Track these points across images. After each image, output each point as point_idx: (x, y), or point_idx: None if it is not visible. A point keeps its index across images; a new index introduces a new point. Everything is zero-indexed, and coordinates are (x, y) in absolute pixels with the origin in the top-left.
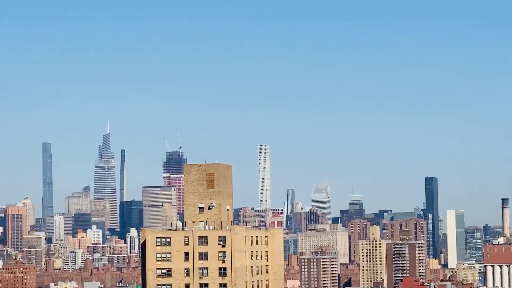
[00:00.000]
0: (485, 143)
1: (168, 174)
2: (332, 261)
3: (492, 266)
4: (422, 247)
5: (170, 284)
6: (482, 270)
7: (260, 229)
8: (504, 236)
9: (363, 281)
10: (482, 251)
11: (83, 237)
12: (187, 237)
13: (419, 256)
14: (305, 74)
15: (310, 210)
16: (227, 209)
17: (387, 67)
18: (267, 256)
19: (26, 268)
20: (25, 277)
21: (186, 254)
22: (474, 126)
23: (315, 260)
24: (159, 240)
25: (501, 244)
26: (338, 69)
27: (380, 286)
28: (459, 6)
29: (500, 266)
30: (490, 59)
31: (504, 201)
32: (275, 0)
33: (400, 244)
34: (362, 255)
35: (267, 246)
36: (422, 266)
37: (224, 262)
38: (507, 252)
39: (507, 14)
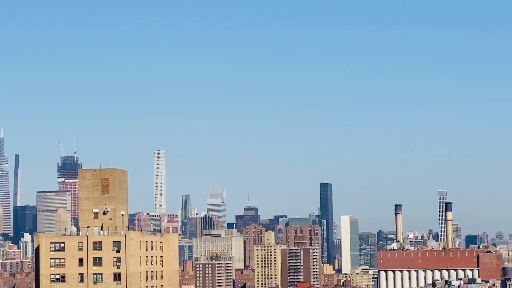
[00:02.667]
0: (379, 149)
1: (63, 179)
2: (227, 266)
3: (386, 271)
4: (316, 252)
5: None
6: (375, 276)
7: (155, 234)
8: (398, 241)
9: (258, 286)
10: (376, 256)
11: None
12: (82, 242)
13: (313, 262)
14: (199, 77)
15: (206, 215)
16: (122, 214)
17: (281, 70)
18: (162, 261)
19: None
20: None
21: (81, 260)
22: (368, 132)
23: (210, 265)
24: (53, 245)
25: (394, 250)
26: (233, 73)
27: None
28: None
29: (393, 272)
30: (395, 62)
31: (398, 207)
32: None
33: (295, 249)
34: (257, 261)
35: (162, 251)
36: (317, 271)
37: (118, 267)
38: (400, 258)
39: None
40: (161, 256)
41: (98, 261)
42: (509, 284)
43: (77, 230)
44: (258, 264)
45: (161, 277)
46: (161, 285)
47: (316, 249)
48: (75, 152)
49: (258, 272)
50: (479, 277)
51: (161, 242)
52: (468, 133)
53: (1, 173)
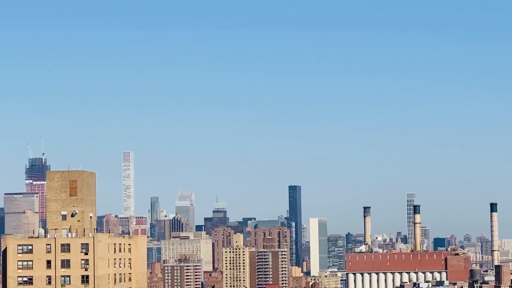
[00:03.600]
0: (348, 152)
1: (31, 181)
2: (196, 268)
3: (354, 274)
4: (285, 254)
5: None
6: (344, 278)
7: (124, 236)
8: (366, 244)
9: None
10: (344, 259)
11: None
12: (49, 244)
13: (282, 264)
14: (167, 80)
15: (174, 217)
16: (90, 217)
17: (248, 72)
18: (130, 263)
19: None
20: None
21: (48, 262)
22: (337, 134)
23: (178, 267)
24: (20, 247)
25: (362, 252)
26: (200, 75)
27: None
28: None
29: (362, 274)
30: (356, 63)
31: (366, 209)
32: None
33: (264, 252)
34: (226, 263)
35: (130, 253)
36: (285, 273)
37: (86, 270)
38: (368, 260)
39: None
40: (130, 259)
41: (66, 264)
42: (477, 286)
43: (45, 232)
44: (226, 266)
45: (130, 279)
46: (129, 287)
47: (284, 251)
48: (43, 154)
49: (226, 275)
50: (447, 280)
51: (129, 244)
52: (435, 137)
53: None
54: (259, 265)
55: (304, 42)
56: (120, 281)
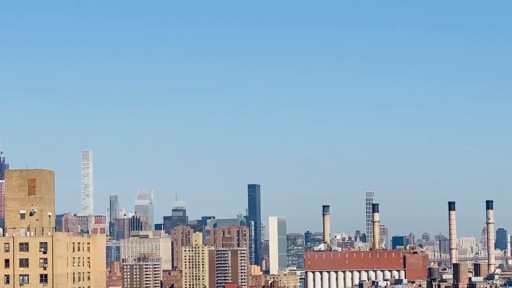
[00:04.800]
0: (307, 150)
1: None
2: (155, 267)
3: (313, 272)
4: (244, 253)
5: None
6: (303, 276)
7: (83, 235)
8: (325, 242)
9: (186, 287)
10: (303, 257)
11: None
12: (8, 243)
13: (241, 263)
14: (126, 77)
15: (133, 216)
16: (49, 215)
17: (209, 68)
18: (89, 262)
19: None
20: None
21: (6, 261)
22: (296, 133)
23: (137, 266)
24: None
25: (321, 251)
26: (158, 72)
27: None
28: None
29: (321, 272)
30: (314, 59)
31: (325, 208)
32: None
33: (223, 250)
34: (185, 262)
35: (89, 252)
36: (244, 272)
37: (45, 268)
38: (327, 259)
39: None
40: (89, 257)
41: (24, 263)
42: (435, 285)
43: (3, 231)
44: (186, 265)
45: (88, 278)
46: (88, 286)
47: (244, 250)
48: (1, 152)
49: (186, 273)
50: (405, 278)
51: (88, 243)
52: (394, 135)
53: None
54: (218, 263)
55: (264, 37)
56: (79, 280)
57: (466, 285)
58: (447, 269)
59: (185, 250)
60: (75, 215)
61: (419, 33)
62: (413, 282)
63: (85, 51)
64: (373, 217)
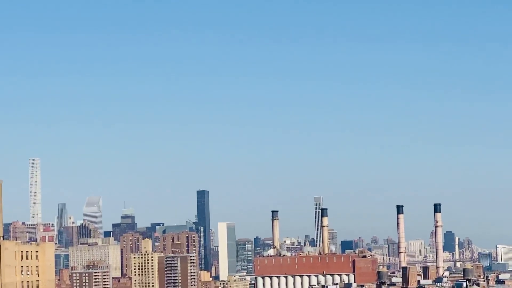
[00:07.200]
0: (255, 155)
1: None
2: (104, 275)
3: (263, 277)
4: (194, 259)
5: None
6: (253, 282)
7: (31, 244)
8: (274, 247)
9: None
10: (253, 263)
11: None
12: None
13: (191, 269)
14: (73, 84)
15: (82, 224)
16: None
17: (154, 74)
18: (38, 271)
19: None
20: None
21: None
22: (243, 137)
23: (87, 274)
24: None
25: (271, 256)
26: (105, 79)
27: None
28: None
29: (270, 278)
30: (266, 64)
31: (274, 213)
32: None
33: (172, 257)
34: (134, 269)
35: (38, 261)
36: (194, 278)
37: None
38: (277, 264)
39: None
40: (37, 266)
41: None
42: None
43: None
44: (135, 272)
45: (37, 286)
46: None
47: (193, 256)
48: None
49: (135, 280)
50: (355, 282)
51: (36, 251)
52: (342, 139)
53: None
54: (167, 270)
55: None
56: None
57: None
58: (396, 272)
59: (134, 257)
60: (23, 223)
61: (353, 36)
62: (362, 286)
63: (34, 58)
64: (322, 222)
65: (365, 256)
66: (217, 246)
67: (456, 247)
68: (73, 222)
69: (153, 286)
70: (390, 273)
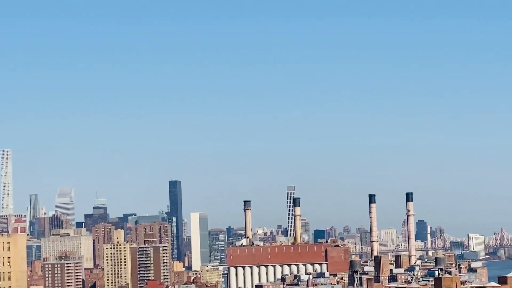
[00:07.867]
0: (227, 145)
1: None
2: (77, 266)
3: (235, 267)
4: (166, 250)
5: None
6: (225, 272)
7: (2, 235)
8: (247, 237)
9: (108, 285)
10: (226, 253)
11: None
12: None
13: (163, 259)
14: (44, 76)
15: (54, 215)
16: None
17: (124, 66)
18: (9, 262)
19: None
20: None
21: None
22: (215, 127)
23: (59, 265)
24: None
25: (243, 246)
26: (77, 71)
27: None
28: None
29: (243, 267)
30: (241, 52)
31: (246, 203)
32: None
33: (144, 247)
34: (107, 259)
35: (9, 252)
36: (167, 269)
37: None
38: (249, 253)
39: None
40: (9, 257)
41: None
42: (357, 277)
43: None
44: (107, 263)
45: (9, 278)
46: (9, 286)
47: (166, 246)
48: None
49: (108, 271)
50: (327, 271)
51: (8, 243)
52: (313, 128)
53: None
54: (140, 260)
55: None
56: (0, 280)
57: (387, 277)
58: (369, 261)
59: (106, 248)
60: None
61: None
62: (335, 275)
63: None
64: (294, 211)
65: (337, 246)
66: (190, 236)
67: (428, 236)
68: (45, 213)
69: (125, 276)
70: (363, 262)
